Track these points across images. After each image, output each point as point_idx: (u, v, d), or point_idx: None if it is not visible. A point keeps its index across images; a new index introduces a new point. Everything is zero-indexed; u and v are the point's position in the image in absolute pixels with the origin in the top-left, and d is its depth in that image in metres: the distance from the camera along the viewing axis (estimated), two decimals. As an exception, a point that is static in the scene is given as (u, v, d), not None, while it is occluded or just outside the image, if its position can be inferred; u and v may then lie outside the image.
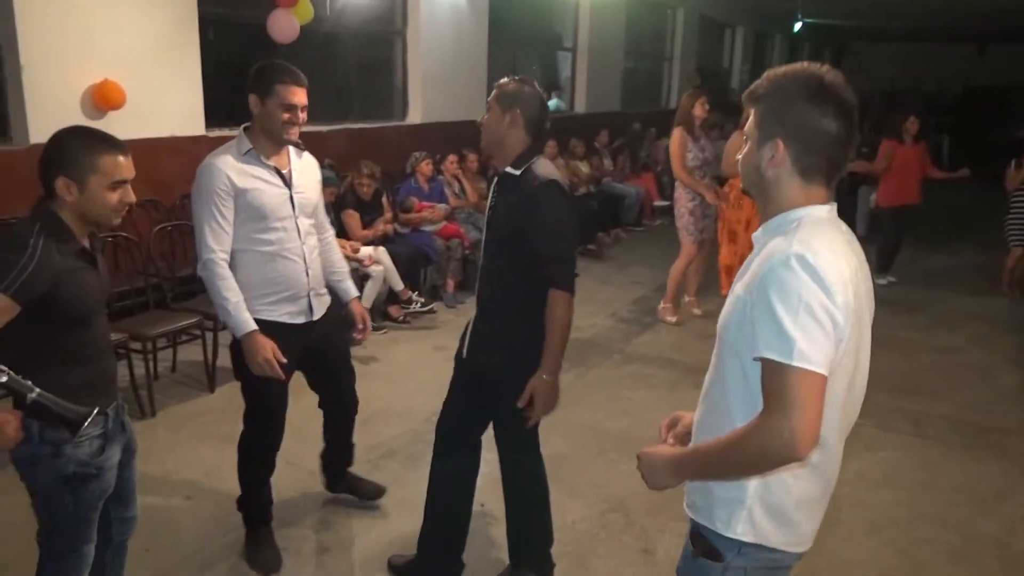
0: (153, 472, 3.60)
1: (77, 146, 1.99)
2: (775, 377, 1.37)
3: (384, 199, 6.28)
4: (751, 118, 1.53)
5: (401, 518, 3.32)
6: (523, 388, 2.57)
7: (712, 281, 6.36)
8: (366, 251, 5.70)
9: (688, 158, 5.79)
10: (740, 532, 1.54)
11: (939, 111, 16.48)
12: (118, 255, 4.78)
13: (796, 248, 1.39)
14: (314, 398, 3.26)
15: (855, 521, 3.43)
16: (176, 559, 3.04)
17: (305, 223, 2.90)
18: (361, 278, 5.50)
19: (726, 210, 5.99)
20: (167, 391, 4.56)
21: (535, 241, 2.48)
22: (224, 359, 4.62)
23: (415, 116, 8.00)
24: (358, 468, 3.50)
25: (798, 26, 16.42)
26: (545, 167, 2.57)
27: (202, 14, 5.66)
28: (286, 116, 2.75)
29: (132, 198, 2.05)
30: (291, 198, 2.84)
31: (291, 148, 2.91)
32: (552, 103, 10.92)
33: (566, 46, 11.24)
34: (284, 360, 2.73)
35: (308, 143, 3.00)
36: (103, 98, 4.98)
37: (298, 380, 3.08)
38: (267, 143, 2.81)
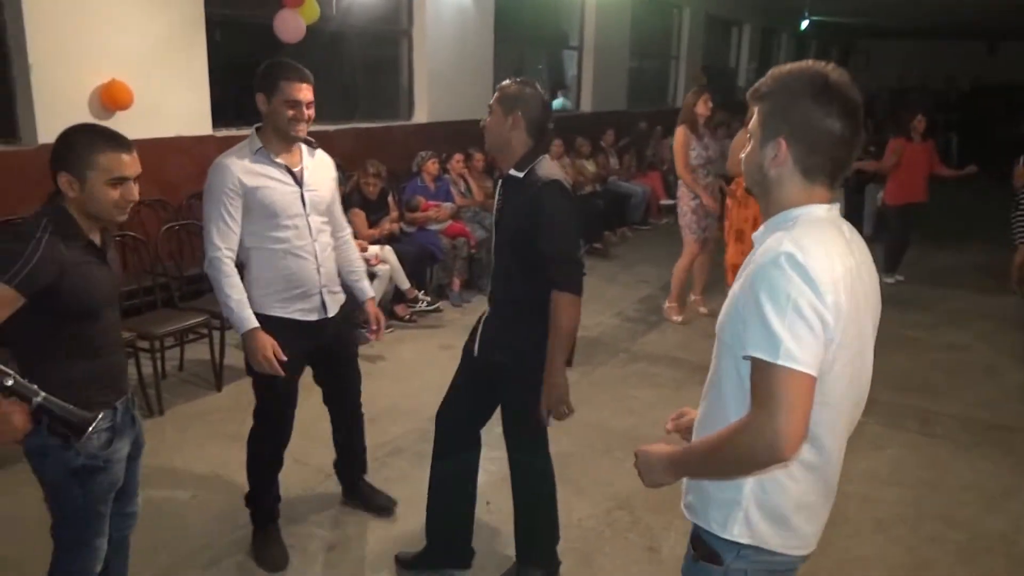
0: (161, 470, 3.62)
1: (79, 143, 2.01)
2: (762, 376, 1.37)
3: (390, 198, 6.29)
4: (755, 116, 1.52)
5: (408, 516, 3.33)
6: (531, 387, 2.59)
7: (718, 280, 6.35)
8: (372, 250, 5.71)
9: (691, 156, 5.79)
10: (736, 534, 1.53)
11: (947, 108, 16.42)
12: (126, 254, 4.80)
13: (786, 247, 1.38)
14: (321, 396, 3.28)
15: (862, 519, 3.42)
16: (183, 556, 3.05)
17: (317, 221, 2.92)
18: (367, 277, 5.51)
19: (732, 208, 5.98)
20: (175, 390, 4.59)
21: (538, 242, 2.50)
22: (231, 358, 4.65)
23: (421, 115, 8.01)
24: (365, 466, 3.52)
25: (805, 24, 16.39)
26: (548, 167, 2.58)
27: (209, 14, 5.68)
28: (291, 113, 2.76)
29: (134, 196, 2.06)
30: (302, 196, 2.86)
31: (304, 146, 2.93)
32: (558, 102, 10.92)
33: (572, 45, 11.23)
34: (284, 358, 2.74)
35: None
36: (111, 98, 5.00)
37: (306, 378, 3.10)
38: (277, 141, 2.83)
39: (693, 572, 1.64)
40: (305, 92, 2.78)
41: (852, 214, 8.25)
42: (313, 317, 2.94)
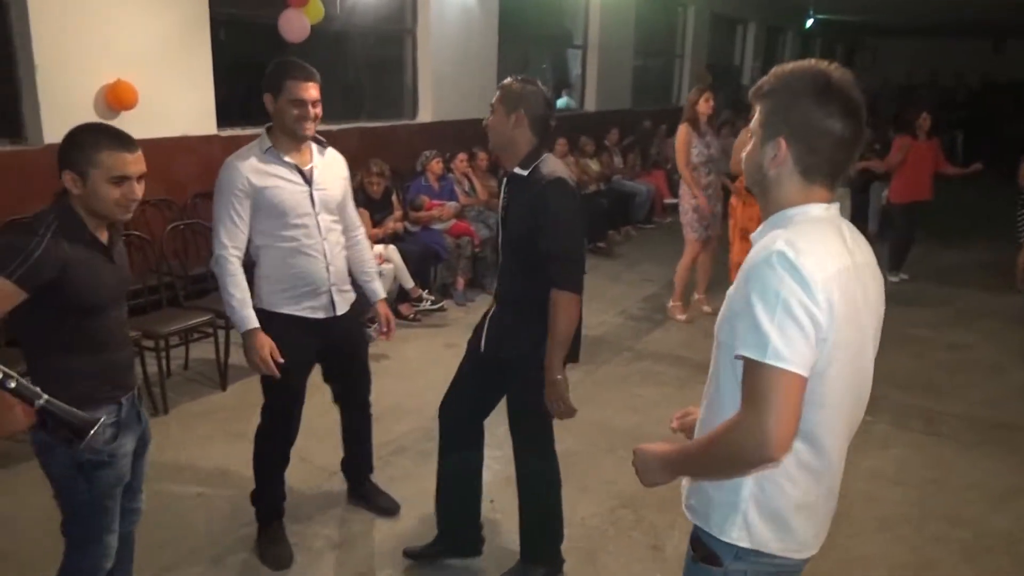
0: (166, 468, 3.64)
1: (84, 141, 2.03)
2: (750, 375, 1.37)
3: (394, 197, 6.30)
4: (756, 114, 1.52)
5: (412, 514, 3.34)
6: (538, 384, 2.60)
7: (723, 278, 6.33)
8: (376, 249, 5.71)
9: (693, 154, 5.79)
10: (735, 537, 1.52)
11: (954, 106, 16.36)
12: (131, 253, 4.80)
13: (779, 246, 1.37)
14: (328, 395, 3.29)
15: (866, 518, 3.42)
16: (188, 553, 3.07)
17: (327, 219, 2.93)
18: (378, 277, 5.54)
19: (737, 207, 5.97)
20: (179, 388, 4.60)
21: (542, 240, 2.50)
22: (235, 357, 4.66)
23: (425, 115, 8.01)
24: (369, 464, 3.52)
25: (810, 22, 16.36)
26: (552, 165, 2.59)
27: (214, 14, 5.70)
28: (297, 112, 2.77)
29: (136, 195, 2.07)
30: (311, 195, 2.87)
31: (314, 145, 2.94)
32: (562, 101, 10.91)
33: (576, 44, 11.22)
34: (281, 360, 2.77)
35: (319, 142, 3.02)
36: (116, 98, 5.02)
37: (313, 377, 3.11)
38: (286, 141, 2.85)
39: (693, 573, 1.63)
40: (311, 91, 2.79)
41: (857, 213, 8.24)
42: (321, 315, 2.95)
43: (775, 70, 1.50)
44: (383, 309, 3.22)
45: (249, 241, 2.86)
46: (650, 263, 7.87)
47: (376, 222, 5.95)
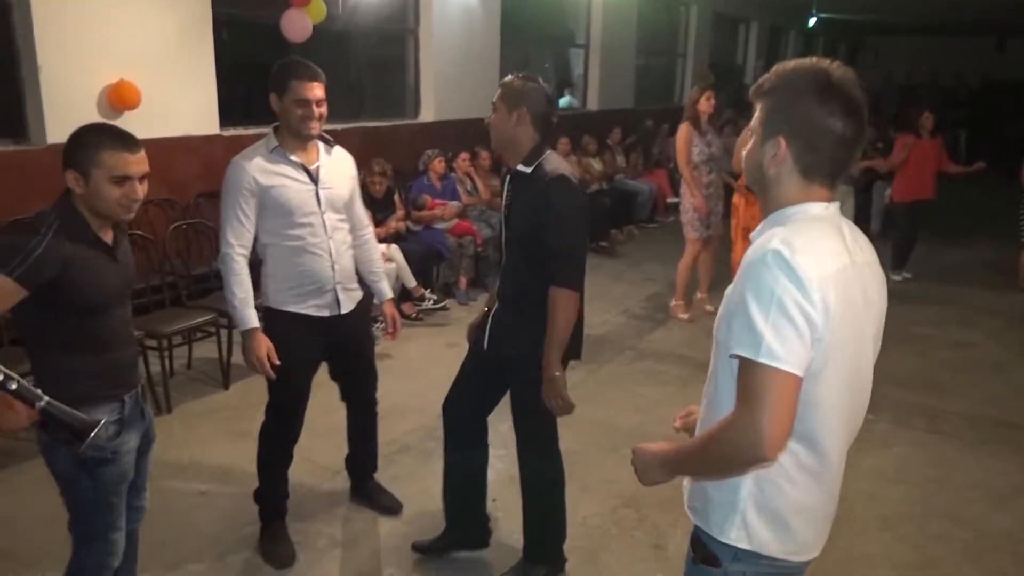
0: (169, 467, 3.64)
1: (87, 141, 2.04)
2: (745, 374, 1.36)
3: (396, 197, 6.30)
4: (757, 112, 1.51)
5: (415, 513, 3.34)
6: (538, 383, 2.60)
7: (725, 277, 6.32)
8: (379, 248, 5.72)
9: (694, 152, 5.79)
10: (734, 538, 1.51)
11: (956, 105, 16.33)
12: (134, 253, 4.82)
13: (775, 244, 1.36)
14: (331, 394, 3.29)
15: (868, 517, 3.42)
16: (191, 552, 3.07)
17: (333, 218, 2.94)
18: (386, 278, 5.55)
19: (740, 206, 5.97)
20: (182, 388, 4.61)
21: (544, 237, 2.51)
22: (238, 356, 4.66)
23: (427, 114, 8.02)
24: (371, 463, 3.53)
25: (812, 21, 16.32)
26: (555, 162, 2.60)
27: (216, 14, 5.70)
28: (301, 112, 2.79)
29: (138, 195, 2.07)
30: (317, 194, 2.88)
31: (321, 144, 2.95)
32: (565, 100, 10.91)
33: (579, 43, 11.22)
34: (278, 362, 2.80)
35: (322, 141, 3.03)
36: (119, 98, 5.03)
37: (317, 376, 3.12)
38: (292, 140, 2.86)
39: (692, 574, 1.63)
40: (315, 90, 2.80)
41: (859, 212, 8.23)
42: (327, 313, 2.97)
43: (776, 68, 1.50)
44: (389, 309, 3.24)
45: (256, 239, 2.88)
46: (652, 262, 7.87)
47: (378, 222, 5.95)
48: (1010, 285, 7.14)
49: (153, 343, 4.32)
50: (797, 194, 1.47)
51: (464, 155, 7.24)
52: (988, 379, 5.10)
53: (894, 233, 7.55)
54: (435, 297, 6.09)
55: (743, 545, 1.51)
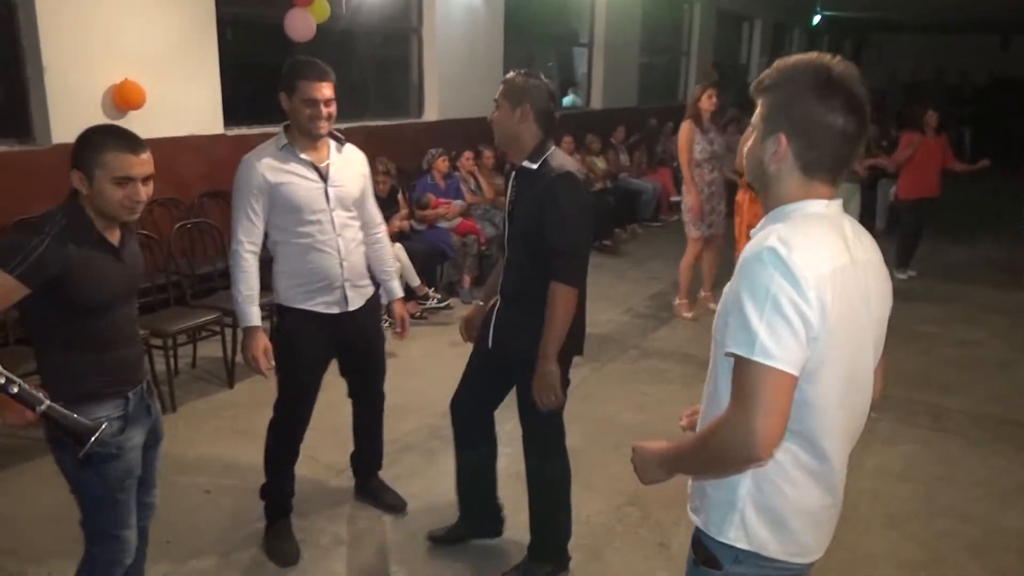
0: (174, 465, 3.65)
1: (92, 142, 2.05)
2: (739, 373, 1.35)
3: (400, 196, 6.31)
4: (758, 109, 1.50)
5: (418, 511, 3.35)
6: None
7: (729, 276, 6.32)
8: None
9: (696, 151, 5.78)
10: (732, 537, 1.50)
11: (961, 103, 16.28)
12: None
13: (771, 242, 1.35)
14: (336, 393, 3.30)
15: (873, 515, 3.41)
16: (196, 550, 3.08)
17: (343, 216, 2.95)
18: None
19: (744, 204, 5.96)
20: (187, 387, 4.62)
21: (549, 234, 2.51)
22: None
23: (431, 113, 8.02)
24: (375, 462, 3.53)
25: (817, 19, 16.29)
26: (561, 159, 2.61)
27: (220, 14, 5.71)
28: (309, 111, 2.81)
29: (140, 196, 2.07)
30: (326, 191, 2.90)
31: (332, 142, 2.97)
32: (568, 99, 10.90)
33: (582, 42, 11.21)
34: (271, 364, 2.86)
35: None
36: (123, 98, 5.04)
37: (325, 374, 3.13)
38: (302, 138, 2.89)
39: None
40: (323, 90, 2.81)
41: (864, 209, 8.22)
42: (335, 310, 2.99)
43: (777, 63, 1.48)
44: (399, 308, 3.27)
45: (267, 236, 2.91)
46: (656, 261, 7.86)
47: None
48: (1014, 283, 7.14)
49: (158, 342, 4.33)
50: (798, 191, 1.45)
51: (468, 154, 7.24)
52: (993, 377, 5.09)
53: (899, 231, 7.54)
54: (439, 296, 6.10)
55: (741, 545, 1.50)
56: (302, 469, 3.24)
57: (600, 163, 9.15)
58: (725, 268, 6.28)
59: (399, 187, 6.35)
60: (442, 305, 6.06)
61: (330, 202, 2.90)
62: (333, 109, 2.86)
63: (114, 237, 2.15)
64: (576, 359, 2.81)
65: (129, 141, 2.06)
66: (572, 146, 8.41)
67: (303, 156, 2.87)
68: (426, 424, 4.11)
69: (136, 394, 2.24)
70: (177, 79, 5.45)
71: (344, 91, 2.85)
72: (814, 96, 1.40)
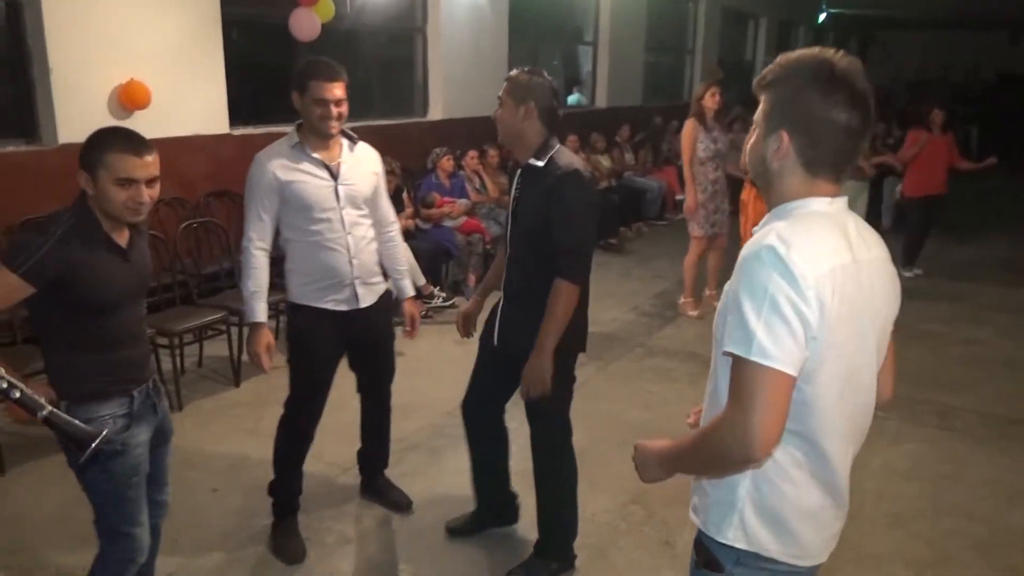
0: (180, 464, 3.64)
1: (98, 143, 2.06)
2: (736, 372, 1.33)
3: (405, 195, 6.32)
4: (760, 105, 1.48)
5: (424, 510, 3.35)
6: (554, 373, 2.61)
7: (734, 274, 6.32)
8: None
9: (700, 149, 5.77)
10: (731, 538, 1.49)
11: (967, 101, 16.22)
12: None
13: (770, 240, 1.33)
14: (342, 391, 3.30)
15: (879, 514, 3.41)
16: (203, 547, 3.10)
17: (352, 214, 2.97)
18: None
19: (749, 203, 5.95)
20: (193, 386, 4.64)
21: (555, 231, 2.52)
22: (249, 354, 4.70)
23: (436, 112, 8.03)
24: (381, 461, 3.54)
25: (823, 16, 16.25)
26: (568, 156, 2.62)
27: (225, 14, 5.73)
28: (319, 111, 2.83)
29: (143, 198, 2.07)
30: (336, 190, 2.91)
31: (344, 140, 2.99)
32: (573, 98, 10.90)
33: (587, 40, 11.20)
34: (271, 364, 2.90)
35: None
36: (129, 98, 5.06)
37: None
38: (313, 137, 2.91)
39: None
40: (334, 91, 2.83)
41: (870, 207, 8.20)
42: (345, 308, 3.00)
43: (780, 59, 1.46)
44: (409, 307, 3.28)
45: (278, 234, 2.95)
46: (662, 259, 7.86)
47: (387, 220, 5.97)
48: (1021, 282, 7.11)
49: (164, 341, 4.34)
50: (800, 188, 1.43)
51: (472, 153, 7.25)
52: (999, 376, 5.07)
53: (905, 229, 7.52)
54: (444, 295, 6.10)
55: (740, 545, 1.49)
56: (308, 467, 3.25)
57: (605, 161, 9.15)
58: (730, 266, 6.26)
59: (404, 186, 6.36)
60: (447, 304, 6.06)
61: (340, 200, 2.92)
62: (344, 109, 2.88)
63: (122, 238, 2.16)
64: (581, 358, 2.82)
65: (133, 143, 2.07)
66: (577, 145, 8.39)
67: (314, 155, 2.90)
68: (431, 423, 4.12)
69: (141, 392, 2.25)
70: (183, 79, 5.47)
71: (349, 90, 2.86)
72: (816, 92, 1.37)
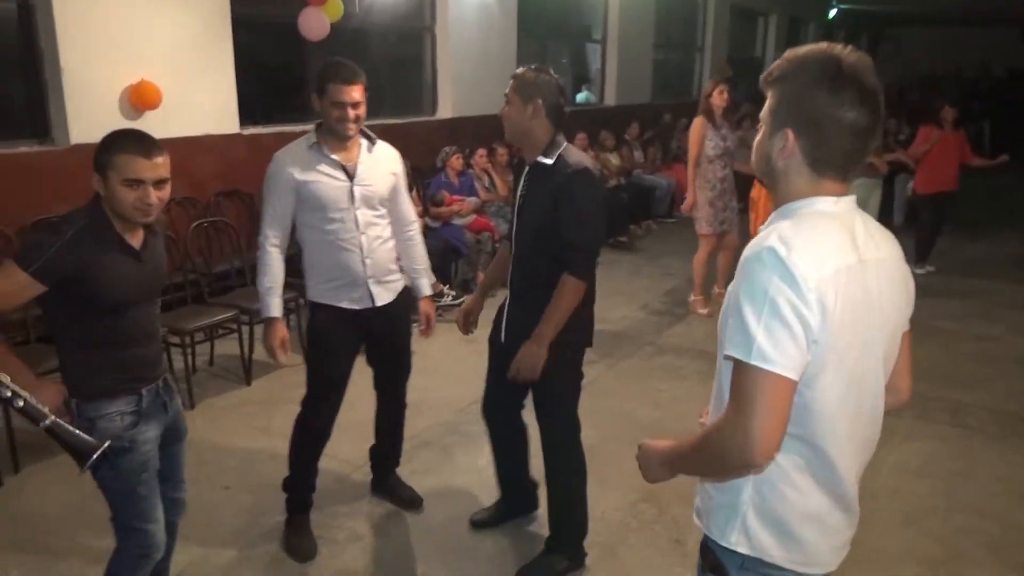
0: (192, 462, 3.65)
1: (109, 144, 2.08)
2: (737, 376, 1.31)
3: (414, 193, 6.32)
4: (767, 102, 1.44)
5: (435, 508, 3.36)
6: (559, 368, 2.62)
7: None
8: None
9: (708, 147, 5.76)
10: (734, 542, 1.47)
11: (978, 97, 16.11)
12: (156, 252, 4.89)
13: (771, 242, 1.30)
14: (355, 389, 3.30)
15: (891, 512, 3.40)
16: (215, 545, 3.12)
17: (368, 215, 2.99)
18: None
19: (758, 201, 5.94)
20: (205, 384, 4.66)
21: (564, 229, 2.52)
22: (260, 352, 4.71)
23: (445, 111, 8.04)
24: (392, 458, 3.55)
25: (833, 13, 16.17)
26: (577, 155, 2.63)
27: (235, 14, 5.75)
28: (337, 114, 2.85)
29: (151, 200, 2.08)
30: (351, 190, 2.93)
31: (363, 141, 3.01)
32: (582, 96, 10.89)
33: (596, 38, 11.19)
34: (289, 355, 2.95)
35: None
36: (140, 98, 5.08)
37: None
38: (331, 138, 2.93)
39: None
40: (352, 94, 2.84)
41: (882, 205, 8.16)
42: (359, 307, 3.03)
43: (787, 54, 1.42)
44: (425, 306, 3.30)
45: (295, 232, 2.99)
46: (671, 257, 7.84)
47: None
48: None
49: (176, 340, 4.37)
50: (806, 188, 1.39)
51: (481, 151, 7.25)
52: (1011, 373, 5.04)
53: (917, 226, 7.48)
54: (454, 293, 6.11)
55: (743, 550, 1.47)
56: (321, 464, 3.26)
57: (614, 159, 9.13)
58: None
59: (413, 185, 6.36)
60: (457, 302, 6.06)
61: (355, 201, 2.94)
62: (362, 111, 2.89)
63: (135, 239, 2.17)
64: (591, 355, 2.82)
65: (143, 144, 2.08)
66: (586, 142, 8.39)
67: (332, 155, 2.92)
68: (442, 421, 4.13)
69: (151, 391, 2.27)
70: (193, 79, 5.49)
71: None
72: (823, 89, 1.33)
